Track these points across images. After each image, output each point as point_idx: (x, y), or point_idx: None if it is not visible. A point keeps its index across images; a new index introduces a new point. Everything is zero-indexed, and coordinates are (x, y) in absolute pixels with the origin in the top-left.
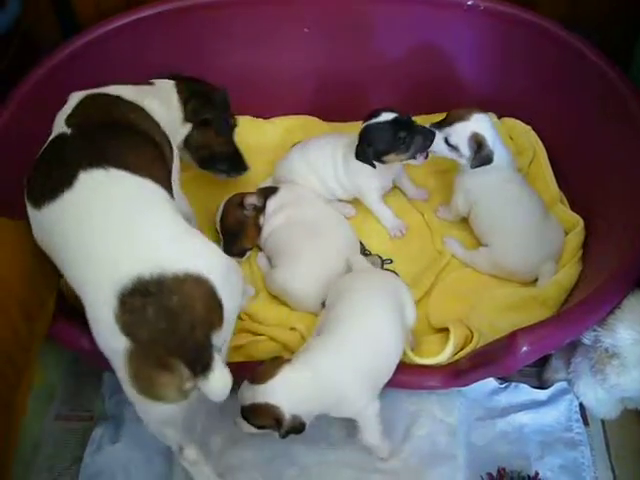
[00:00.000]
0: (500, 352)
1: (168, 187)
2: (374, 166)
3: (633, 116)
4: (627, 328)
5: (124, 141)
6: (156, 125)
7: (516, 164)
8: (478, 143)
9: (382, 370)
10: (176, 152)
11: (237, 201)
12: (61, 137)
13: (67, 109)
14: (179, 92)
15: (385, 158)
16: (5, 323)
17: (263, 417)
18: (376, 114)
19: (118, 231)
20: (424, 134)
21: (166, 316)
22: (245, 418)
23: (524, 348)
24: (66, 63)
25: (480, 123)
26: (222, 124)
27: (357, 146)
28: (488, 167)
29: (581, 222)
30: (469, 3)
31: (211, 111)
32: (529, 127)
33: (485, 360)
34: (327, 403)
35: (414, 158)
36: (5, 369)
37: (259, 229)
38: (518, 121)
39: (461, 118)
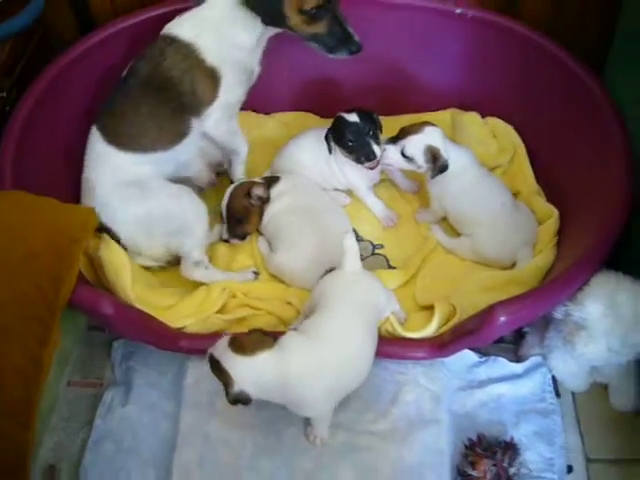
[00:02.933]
0: (480, 323)
1: None
2: (330, 152)
3: (604, 118)
4: (594, 302)
5: None
6: None
7: (478, 162)
8: (433, 155)
9: (347, 385)
10: None
11: (244, 190)
12: None
13: None
14: None
15: (338, 149)
16: (38, 286)
17: (219, 375)
18: (350, 110)
19: None
20: (367, 151)
21: None
22: (209, 362)
23: (501, 319)
24: (82, 58)
25: (432, 135)
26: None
27: (326, 130)
28: (449, 173)
29: (556, 212)
30: (458, 11)
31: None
32: (511, 126)
33: (466, 331)
34: (287, 399)
35: (361, 163)
36: (35, 327)
37: (261, 216)
38: (501, 121)
39: (415, 132)
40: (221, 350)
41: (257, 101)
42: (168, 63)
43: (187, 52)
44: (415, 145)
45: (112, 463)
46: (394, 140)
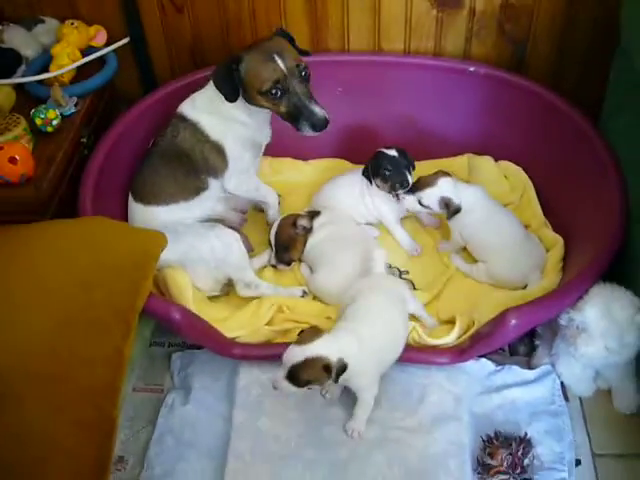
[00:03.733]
0: (494, 327)
1: None
2: (373, 182)
3: (601, 162)
4: (592, 308)
5: None
6: None
7: (490, 196)
8: (446, 203)
9: (390, 350)
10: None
11: (290, 221)
12: None
13: None
14: None
15: (374, 180)
16: (122, 291)
17: (313, 369)
18: (390, 147)
19: None
20: (401, 180)
21: None
22: (293, 377)
23: (513, 321)
24: (146, 111)
25: (445, 187)
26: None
27: (366, 163)
28: (464, 209)
29: (561, 241)
30: (471, 69)
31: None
32: (520, 168)
33: (482, 336)
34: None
35: (396, 197)
36: (121, 324)
37: (305, 245)
38: (511, 163)
39: (429, 184)
40: (295, 353)
41: (295, 149)
42: (180, 138)
43: (194, 129)
44: (430, 197)
45: (173, 454)
46: (413, 190)
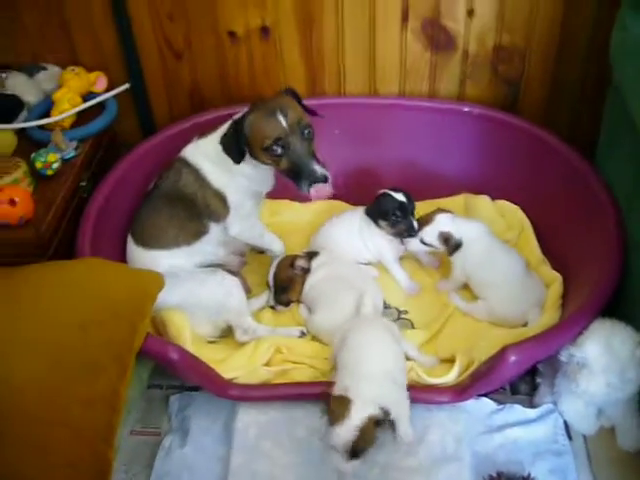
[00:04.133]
0: (494, 365)
1: None
2: (377, 224)
3: (597, 199)
4: (592, 344)
5: None
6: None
7: (492, 233)
8: (445, 238)
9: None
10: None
11: (289, 262)
12: None
13: None
14: None
15: (380, 222)
16: (119, 331)
17: (369, 433)
18: (396, 190)
19: None
20: (409, 226)
21: None
22: (357, 452)
23: (512, 358)
24: (145, 155)
25: (443, 222)
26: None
27: (370, 204)
28: (465, 245)
29: (560, 278)
30: (465, 110)
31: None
32: (517, 206)
33: (483, 374)
34: None
35: (398, 239)
36: (117, 365)
37: (303, 285)
38: (508, 202)
39: (428, 222)
40: (341, 433)
41: (292, 191)
42: (183, 182)
43: (196, 176)
44: (430, 234)
45: None
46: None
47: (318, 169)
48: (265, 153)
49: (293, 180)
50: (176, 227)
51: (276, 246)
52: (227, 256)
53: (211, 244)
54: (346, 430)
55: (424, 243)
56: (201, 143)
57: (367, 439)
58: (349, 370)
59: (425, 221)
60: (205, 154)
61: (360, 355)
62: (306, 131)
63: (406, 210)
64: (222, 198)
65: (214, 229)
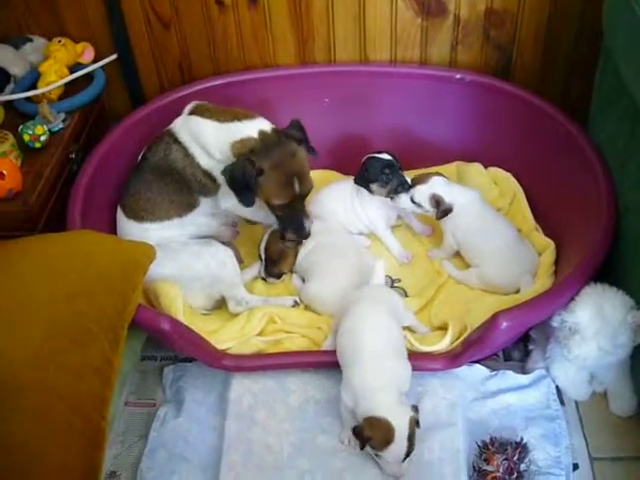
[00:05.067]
0: (485, 331)
1: None
2: (369, 190)
3: (589, 164)
4: (583, 309)
5: None
6: None
7: (485, 201)
8: (437, 201)
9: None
10: None
11: (279, 235)
12: None
13: None
14: None
15: (372, 186)
16: (110, 302)
17: (414, 433)
18: (379, 152)
19: None
20: (401, 181)
21: None
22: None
23: (504, 324)
24: (134, 126)
25: (437, 185)
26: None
27: (358, 172)
28: (457, 212)
29: (552, 244)
30: (457, 77)
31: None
32: (509, 174)
33: (475, 340)
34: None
35: (390, 198)
36: (110, 335)
37: (295, 257)
38: (500, 169)
39: (422, 182)
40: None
41: None
42: (173, 156)
43: (186, 152)
44: (421, 194)
45: (166, 468)
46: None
47: (306, 224)
48: (269, 204)
49: (279, 223)
50: (167, 200)
51: (270, 221)
52: (219, 227)
53: (203, 216)
54: (399, 447)
55: (414, 202)
56: (193, 125)
57: (414, 439)
58: (359, 382)
59: (420, 180)
60: (195, 136)
61: (361, 356)
62: (309, 194)
63: (394, 166)
64: (212, 177)
65: (205, 202)
